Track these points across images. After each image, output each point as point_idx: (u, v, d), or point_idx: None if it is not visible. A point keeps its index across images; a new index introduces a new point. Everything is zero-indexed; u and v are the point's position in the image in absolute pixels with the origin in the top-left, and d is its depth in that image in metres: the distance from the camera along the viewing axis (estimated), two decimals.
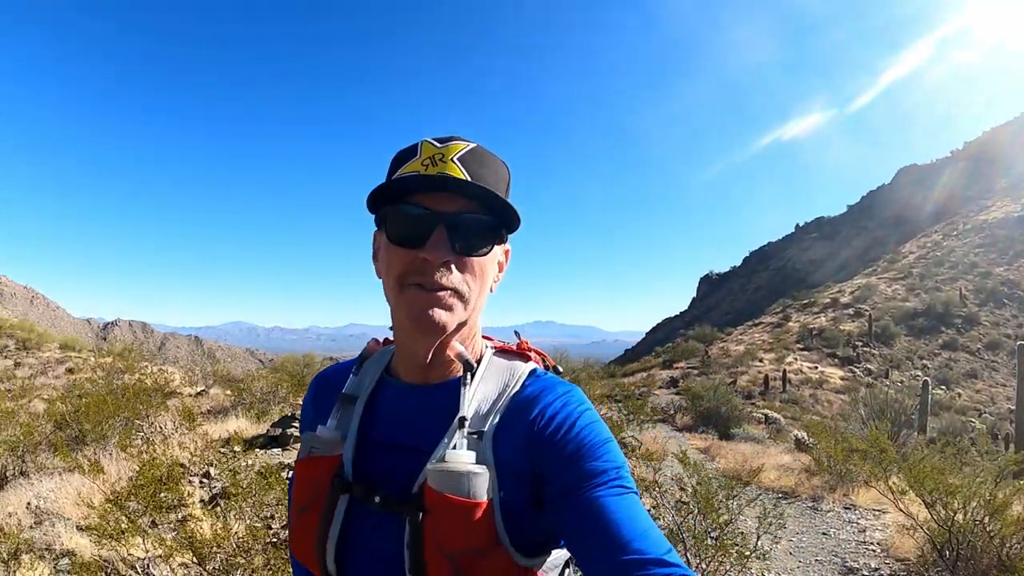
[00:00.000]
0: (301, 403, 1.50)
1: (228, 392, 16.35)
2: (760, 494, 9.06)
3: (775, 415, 23.45)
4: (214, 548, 4.40)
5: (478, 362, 1.22)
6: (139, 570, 4.62)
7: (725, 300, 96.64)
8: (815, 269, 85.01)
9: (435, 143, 1.15)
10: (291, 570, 1.51)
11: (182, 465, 7.71)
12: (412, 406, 1.21)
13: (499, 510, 1.07)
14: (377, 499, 1.12)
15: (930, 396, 17.79)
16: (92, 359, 22.32)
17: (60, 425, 10.32)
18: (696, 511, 5.79)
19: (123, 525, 4.63)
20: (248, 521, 4.91)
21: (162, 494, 5.03)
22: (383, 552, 1.11)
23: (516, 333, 1.37)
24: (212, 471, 8.02)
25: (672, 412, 22.23)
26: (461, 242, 1.12)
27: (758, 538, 5.74)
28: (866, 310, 45.19)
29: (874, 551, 7.79)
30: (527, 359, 1.28)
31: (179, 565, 4.66)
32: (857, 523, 8.93)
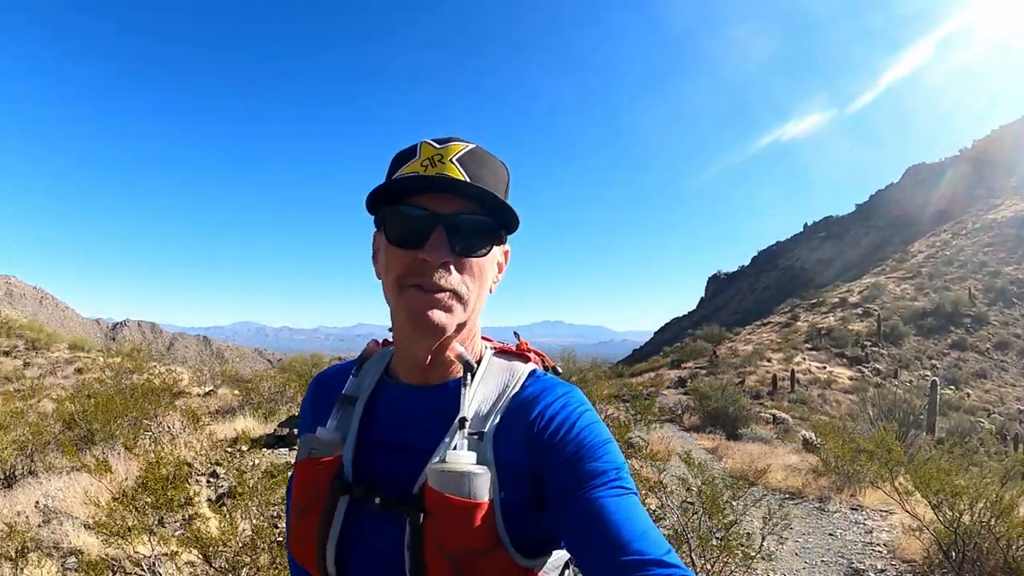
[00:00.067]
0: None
1: (236, 392, 16.42)
2: (766, 495, 9.04)
3: (783, 415, 23.36)
4: (220, 547, 4.42)
5: (478, 363, 1.22)
6: (145, 568, 4.64)
7: (733, 300, 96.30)
8: (823, 268, 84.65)
9: (434, 144, 1.15)
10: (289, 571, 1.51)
11: (188, 464, 7.73)
12: (412, 407, 1.21)
13: (500, 511, 1.07)
14: (377, 500, 1.12)
15: (939, 396, 17.72)
16: (101, 359, 22.44)
17: (69, 425, 10.38)
18: (701, 511, 5.78)
19: (129, 523, 4.65)
20: (254, 520, 4.92)
21: (168, 493, 5.05)
22: (383, 553, 1.11)
23: (515, 334, 1.37)
24: (219, 470, 8.05)
25: (680, 412, 22.18)
26: (460, 243, 1.12)
27: (763, 539, 5.73)
28: (875, 310, 44.97)
29: (880, 552, 7.76)
30: (526, 360, 1.28)
31: (185, 563, 4.68)
32: (864, 524, 8.90)
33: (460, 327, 1.16)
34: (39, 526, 6.29)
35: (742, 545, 5.44)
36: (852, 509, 9.61)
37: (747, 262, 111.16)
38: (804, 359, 37.35)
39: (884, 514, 9.16)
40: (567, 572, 1.23)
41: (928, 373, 33.80)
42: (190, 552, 4.60)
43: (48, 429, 10.16)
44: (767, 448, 15.43)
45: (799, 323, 48.16)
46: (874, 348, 39.01)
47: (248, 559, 4.36)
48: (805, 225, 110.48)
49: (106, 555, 5.05)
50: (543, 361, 1.33)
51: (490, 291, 1.22)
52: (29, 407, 12.28)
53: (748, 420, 19.98)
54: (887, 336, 40.46)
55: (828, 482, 10.73)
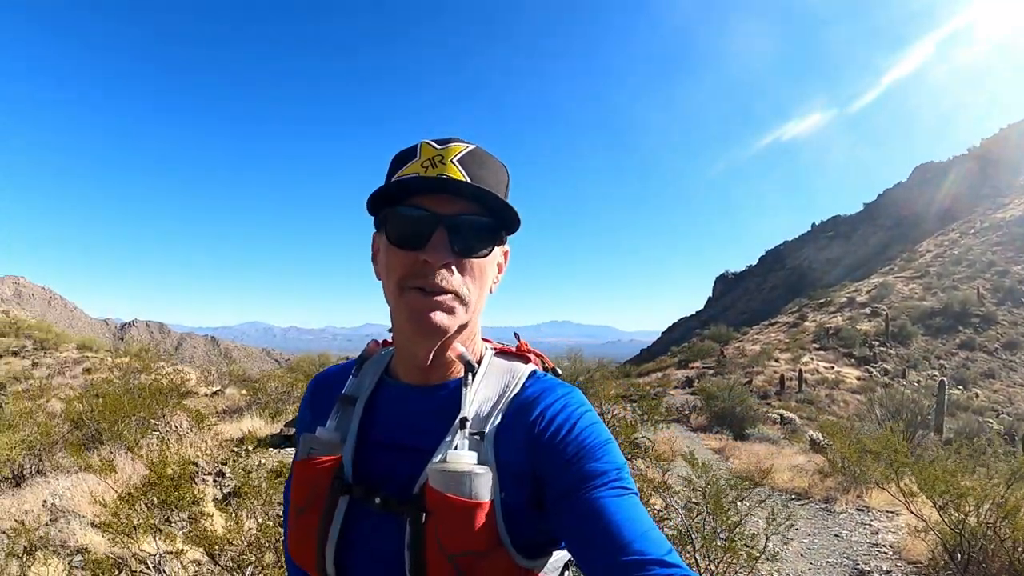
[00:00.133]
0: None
1: (243, 392, 16.47)
2: (770, 495, 9.02)
3: (790, 415, 23.29)
4: (226, 545, 4.44)
5: (478, 363, 1.22)
6: (151, 566, 4.66)
7: (741, 299, 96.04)
8: (831, 268, 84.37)
9: (434, 144, 1.14)
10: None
11: (195, 464, 7.76)
12: (412, 407, 1.21)
13: (500, 511, 1.07)
14: (377, 500, 1.12)
15: (947, 396, 17.64)
16: (109, 359, 22.52)
17: (77, 424, 10.43)
18: (705, 512, 5.76)
19: (135, 522, 4.67)
20: (259, 519, 4.94)
21: (174, 493, 5.07)
22: (383, 553, 1.11)
23: (515, 335, 1.37)
24: (225, 470, 8.07)
25: (687, 412, 22.15)
26: (461, 244, 1.12)
27: (767, 539, 5.71)
28: (883, 309, 44.80)
29: (886, 553, 7.73)
30: (527, 361, 1.28)
31: (191, 561, 4.70)
32: (870, 525, 8.87)
33: (461, 328, 1.16)
34: (47, 525, 6.33)
35: (747, 546, 5.43)
36: (858, 510, 9.58)
37: (755, 262, 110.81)
38: (812, 359, 37.24)
39: (890, 515, 9.12)
40: (567, 573, 1.23)
41: (936, 373, 33.62)
42: (196, 550, 4.61)
43: (56, 429, 10.20)
44: (774, 448, 15.38)
45: (807, 323, 48.05)
46: (882, 348, 38.86)
47: (253, 557, 4.37)
48: (813, 224, 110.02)
49: (112, 553, 5.08)
50: (543, 362, 1.33)
51: (490, 291, 1.22)
52: (37, 407, 12.33)
53: (755, 420, 19.93)
54: (895, 336, 40.30)
55: (834, 483, 10.70)
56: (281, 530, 5.03)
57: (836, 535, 8.47)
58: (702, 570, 5.35)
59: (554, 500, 1.06)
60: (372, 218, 1.22)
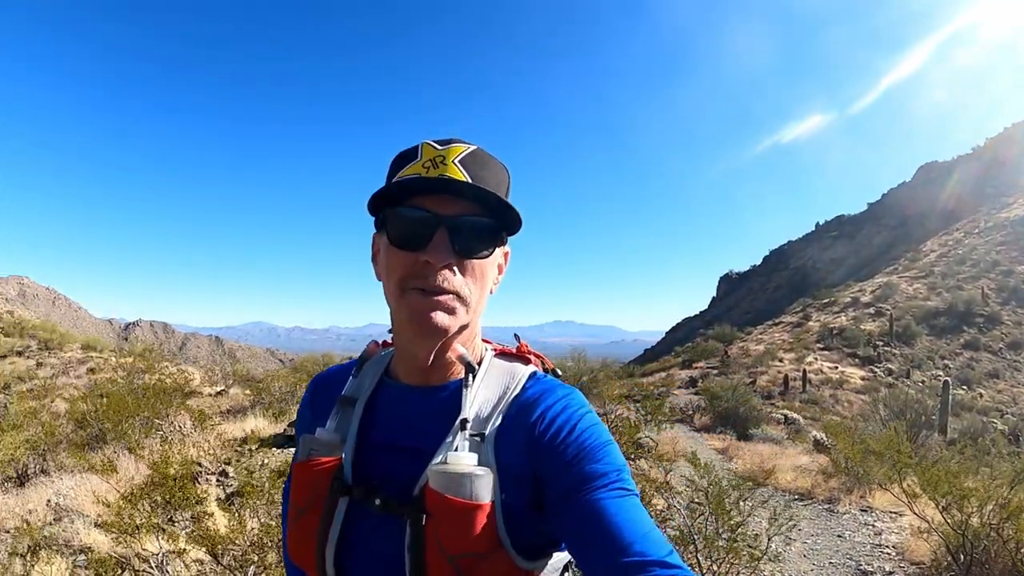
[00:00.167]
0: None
1: (247, 392, 16.50)
2: (772, 495, 9.01)
3: (794, 415, 23.25)
4: (229, 545, 4.44)
5: (479, 364, 1.21)
6: (153, 566, 4.66)
7: (745, 299, 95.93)
8: (835, 268, 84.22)
9: (435, 145, 1.14)
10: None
11: (198, 463, 7.78)
12: (412, 408, 1.21)
13: (501, 513, 1.06)
14: (378, 501, 1.12)
15: (951, 396, 17.61)
16: (113, 359, 22.58)
17: (81, 424, 10.46)
18: (707, 512, 5.76)
19: (137, 521, 4.68)
20: (262, 519, 4.95)
21: (176, 493, 5.08)
22: (383, 554, 1.10)
23: (516, 336, 1.37)
24: (229, 470, 8.09)
25: (691, 412, 22.14)
26: (462, 244, 1.12)
27: (769, 539, 5.71)
28: (887, 309, 44.74)
29: (889, 554, 7.71)
30: (527, 362, 1.28)
31: (193, 561, 4.71)
32: (873, 526, 8.85)
33: (462, 329, 1.16)
34: (50, 524, 6.34)
35: (749, 546, 5.42)
36: (862, 510, 9.56)
37: (759, 261, 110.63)
38: (816, 359, 37.23)
39: (894, 516, 9.10)
40: (567, 574, 1.23)
41: (940, 373, 33.58)
42: (198, 550, 4.62)
43: (60, 429, 10.23)
44: (778, 449, 15.36)
45: (811, 323, 48.00)
46: (886, 348, 38.80)
47: (256, 557, 4.38)
48: (817, 224, 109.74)
49: (115, 553, 5.09)
50: (543, 363, 1.33)
51: (491, 292, 1.22)
52: (42, 407, 12.38)
53: (759, 420, 19.91)
54: (899, 336, 40.24)
55: (838, 483, 10.67)
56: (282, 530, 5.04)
57: (839, 535, 8.46)
58: (704, 571, 5.35)
59: (554, 501, 1.06)
60: (373, 218, 1.22)
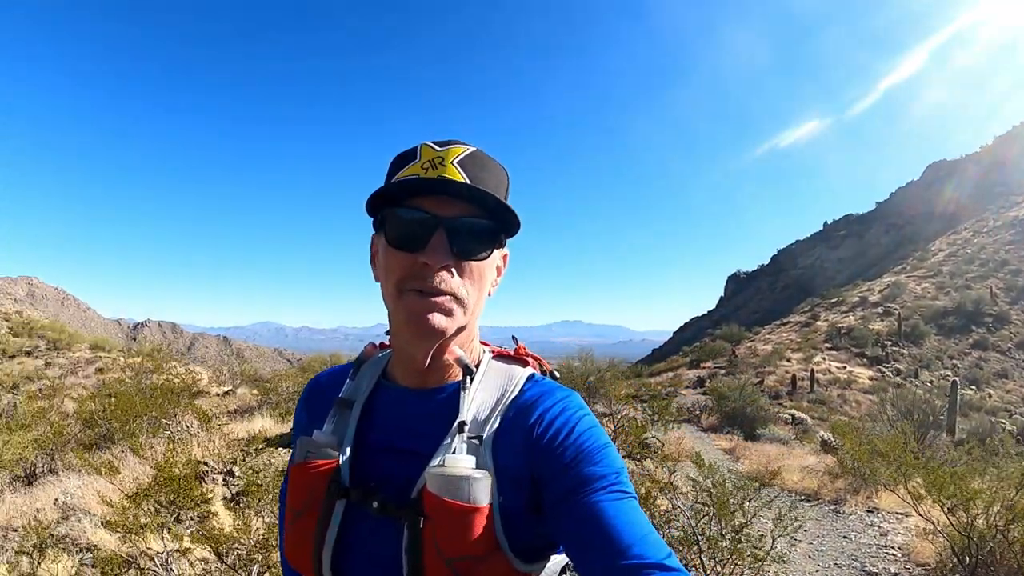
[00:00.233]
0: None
1: (255, 392, 16.54)
2: (778, 496, 8.98)
3: (802, 416, 23.19)
4: (233, 544, 4.45)
5: (476, 366, 1.21)
6: (158, 564, 4.68)
7: (753, 299, 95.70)
8: (843, 267, 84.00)
9: (435, 146, 1.14)
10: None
11: (204, 463, 7.80)
12: (410, 410, 1.20)
13: (499, 516, 1.06)
14: (375, 504, 1.11)
15: (959, 396, 17.51)
16: (121, 359, 22.66)
17: (89, 424, 10.50)
18: (711, 513, 5.75)
19: (142, 521, 4.70)
20: (267, 518, 4.96)
21: (181, 493, 5.10)
22: (381, 557, 1.10)
23: (513, 338, 1.37)
24: (235, 469, 8.11)
25: (698, 412, 22.12)
26: (461, 246, 1.11)
27: (773, 540, 5.69)
28: (895, 309, 44.56)
29: (894, 556, 7.68)
30: (525, 364, 1.27)
31: (198, 559, 4.72)
32: (879, 527, 8.82)
33: (459, 330, 1.16)
34: (57, 523, 6.38)
35: (754, 547, 5.41)
36: (868, 511, 9.52)
37: (766, 261, 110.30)
38: (824, 359, 37.12)
39: (900, 517, 9.07)
40: None
41: (949, 373, 33.41)
42: (203, 549, 4.64)
43: (68, 428, 10.28)
44: (785, 449, 15.33)
45: (819, 323, 47.87)
46: (894, 348, 38.66)
47: (260, 556, 4.39)
48: (825, 223, 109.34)
49: (121, 551, 5.11)
50: (541, 365, 1.32)
51: (489, 294, 1.22)
52: (50, 406, 12.43)
53: (766, 420, 19.89)
54: (907, 335, 40.08)
55: (844, 484, 10.64)
56: None
57: (845, 537, 8.43)
58: (708, 572, 5.33)
59: (552, 504, 1.06)
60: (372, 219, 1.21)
